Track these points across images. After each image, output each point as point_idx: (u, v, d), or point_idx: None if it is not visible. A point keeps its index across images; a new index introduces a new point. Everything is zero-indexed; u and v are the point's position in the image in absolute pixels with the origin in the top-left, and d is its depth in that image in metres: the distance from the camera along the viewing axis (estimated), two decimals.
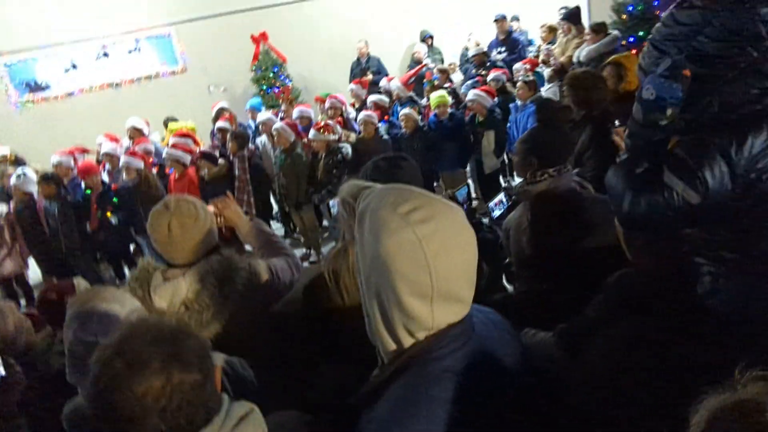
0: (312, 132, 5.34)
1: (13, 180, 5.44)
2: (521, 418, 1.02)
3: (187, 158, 5.52)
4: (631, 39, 6.04)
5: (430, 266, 0.90)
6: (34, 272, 6.05)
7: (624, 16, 6.22)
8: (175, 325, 1.01)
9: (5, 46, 8.56)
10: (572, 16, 6.55)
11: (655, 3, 6.18)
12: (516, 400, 1.03)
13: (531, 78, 5.57)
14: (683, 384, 0.74)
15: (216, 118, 6.86)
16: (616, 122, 2.59)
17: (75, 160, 6.23)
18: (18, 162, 6.71)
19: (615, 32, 6.11)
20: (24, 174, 5.48)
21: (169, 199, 2.00)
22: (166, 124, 7.41)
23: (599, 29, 6.00)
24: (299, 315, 2.03)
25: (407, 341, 0.96)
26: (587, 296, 1.52)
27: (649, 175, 1.25)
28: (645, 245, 1.24)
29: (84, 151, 6.68)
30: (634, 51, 5.83)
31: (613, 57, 4.24)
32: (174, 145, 5.65)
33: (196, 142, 6.15)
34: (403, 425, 0.93)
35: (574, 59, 6.22)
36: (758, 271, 1.18)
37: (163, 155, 5.84)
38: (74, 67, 8.98)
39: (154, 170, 5.91)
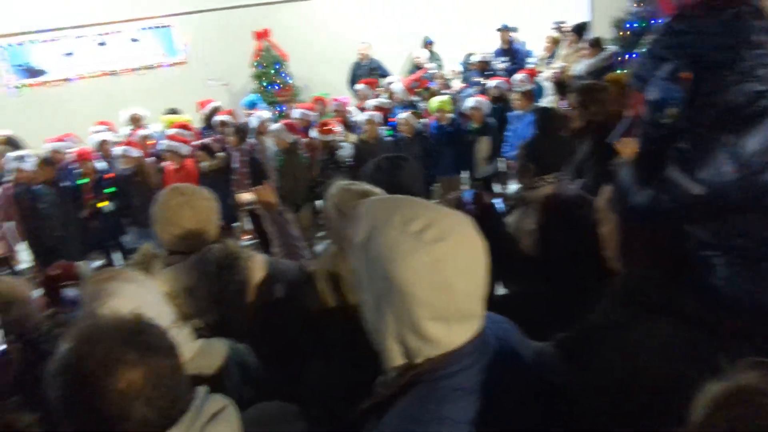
0: (313, 132, 5.37)
1: (13, 162, 5.39)
2: None
3: (185, 149, 5.51)
4: (631, 55, 6.13)
5: (451, 287, 0.86)
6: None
7: (624, 33, 6.31)
8: (132, 316, 0.99)
9: (2, 29, 8.48)
10: (579, 29, 6.65)
11: (654, 21, 6.28)
12: (533, 417, 1.01)
13: (527, 88, 5.63)
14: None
15: (209, 117, 6.75)
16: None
17: (70, 146, 6.19)
18: (11, 145, 6.65)
19: (612, 47, 6.20)
20: (25, 156, 5.44)
21: (181, 186, 2.02)
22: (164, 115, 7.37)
23: (596, 44, 6.09)
24: (292, 310, 2.06)
25: (419, 359, 0.93)
26: (585, 300, 1.55)
27: (654, 170, 1.31)
28: (646, 245, 1.27)
29: (76, 139, 6.64)
30: None
31: (613, 75, 4.29)
32: (171, 137, 5.63)
33: (195, 136, 6.13)
34: None
35: (573, 73, 6.31)
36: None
37: (160, 146, 5.82)
38: (72, 53, 8.91)
39: (151, 160, 5.87)
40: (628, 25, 6.26)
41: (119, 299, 1.37)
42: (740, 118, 1.22)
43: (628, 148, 2.25)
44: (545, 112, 3.19)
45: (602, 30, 6.83)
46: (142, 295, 1.45)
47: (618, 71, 4.70)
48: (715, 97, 1.24)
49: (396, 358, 0.93)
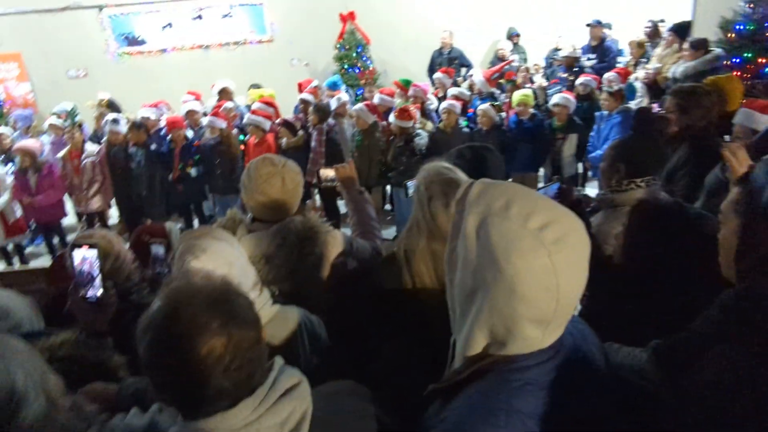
0: (392, 117, 5.39)
1: (109, 124, 5.80)
2: None
3: (267, 124, 5.69)
4: (737, 60, 5.67)
5: (560, 293, 0.85)
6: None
7: (731, 35, 5.85)
8: (221, 284, 0.99)
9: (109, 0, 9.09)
10: (680, 29, 6.20)
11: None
12: (602, 417, 0.99)
13: (617, 89, 5.37)
14: None
15: None
16: (726, 137, 2.45)
17: (161, 113, 6.58)
18: (111, 108, 7.14)
19: (718, 50, 5.77)
20: (120, 119, 5.84)
21: (273, 157, 2.08)
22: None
23: (699, 46, 5.69)
24: (365, 289, 2.08)
25: (502, 353, 0.92)
26: (670, 312, 1.47)
27: None
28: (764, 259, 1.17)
29: (165, 106, 7.03)
30: (737, 72, 5.50)
31: (713, 79, 3.98)
32: (255, 111, 5.84)
33: (277, 111, 6.32)
34: None
35: (669, 74, 5.94)
36: None
37: (244, 119, 6.05)
38: (170, 25, 9.41)
39: (235, 132, 6.11)
40: (736, 27, 5.79)
41: (210, 255, 1.45)
42: None
43: (737, 156, 2.10)
44: (643, 112, 3.00)
45: (704, 31, 6.36)
46: (232, 254, 1.52)
47: (720, 75, 4.36)
48: None
49: (477, 347, 0.93)
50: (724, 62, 5.76)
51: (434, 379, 1.05)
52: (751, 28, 5.80)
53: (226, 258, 1.49)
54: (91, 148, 5.92)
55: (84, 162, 5.81)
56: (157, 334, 0.91)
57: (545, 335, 0.90)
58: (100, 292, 1.68)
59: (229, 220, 2.22)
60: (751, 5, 5.80)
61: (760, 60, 5.69)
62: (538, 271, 0.83)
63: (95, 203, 5.96)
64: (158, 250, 2.42)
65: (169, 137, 5.86)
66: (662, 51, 6.42)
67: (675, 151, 3.00)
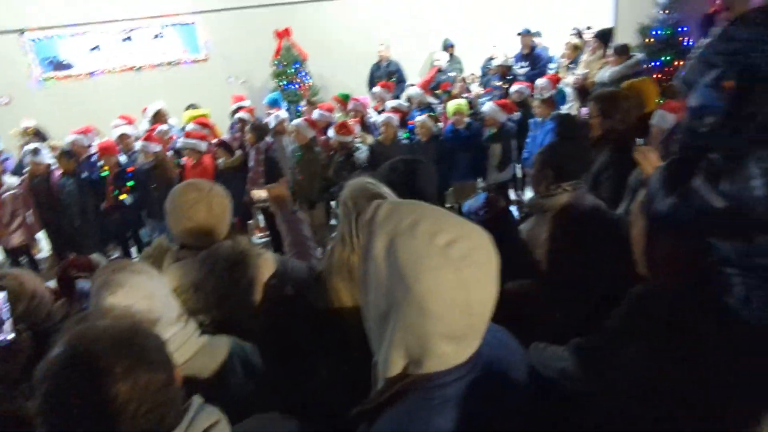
0: (330, 132, 5.37)
1: (29, 156, 5.50)
2: None
3: (203, 146, 5.55)
4: (656, 63, 6.01)
5: (470, 308, 0.85)
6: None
7: (649, 40, 6.21)
8: (129, 325, 0.95)
9: (31, 23, 8.66)
10: (604, 35, 6.53)
11: (681, 29, 6.17)
12: (524, 426, 1.00)
13: (548, 96, 5.57)
14: (719, 398, 0.72)
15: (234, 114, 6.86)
16: (637, 140, 2.56)
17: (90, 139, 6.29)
18: (39, 136, 6.78)
19: (639, 55, 6.11)
20: (39, 149, 5.55)
21: (198, 182, 2.02)
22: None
23: (622, 51, 6.01)
24: (299, 311, 2.05)
25: (419, 372, 0.92)
26: (589, 314, 1.51)
27: (684, 178, 1.25)
28: (667, 257, 1.22)
29: (94, 132, 6.75)
30: (656, 75, 5.83)
31: (630, 82, 4.19)
32: (189, 133, 5.69)
33: (213, 132, 6.18)
34: None
35: (597, 79, 6.23)
36: None
37: (178, 142, 5.89)
38: (98, 48, 9.06)
39: (170, 155, 5.93)
40: (653, 33, 6.14)
41: (128, 291, 1.38)
42: None
43: (647, 158, 2.20)
44: (566, 118, 3.11)
45: (625, 37, 6.73)
46: (151, 287, 1.45)
47: (638, 79, 4.60)
48: (759, 110, 1.17)
49: (396, 368, 0.92)
50: (645, 66, 6.11)
51: (361, 399, 1.03)
52: (668, 32, 6.18)
53: (145, 291, 1.43)
54: (10, 180, 5.57)
55: (3, 196, 5.46)
56: (55, 382, 0.84)
57: (459, 350, 0.91)
58: (11, 336, 1.57)
59: (155, 248, 2.14)
60: (666, 11, 6.18)
61: (676, 63, 6.07)
62: (447, 288, 0.84)
63: (16, 238, 5.59)
64: (84, 285, 2.30)
65: (100, 164, 5.61)
66: (588, 57, 6.73)
67: (599, 154, 3.12)
